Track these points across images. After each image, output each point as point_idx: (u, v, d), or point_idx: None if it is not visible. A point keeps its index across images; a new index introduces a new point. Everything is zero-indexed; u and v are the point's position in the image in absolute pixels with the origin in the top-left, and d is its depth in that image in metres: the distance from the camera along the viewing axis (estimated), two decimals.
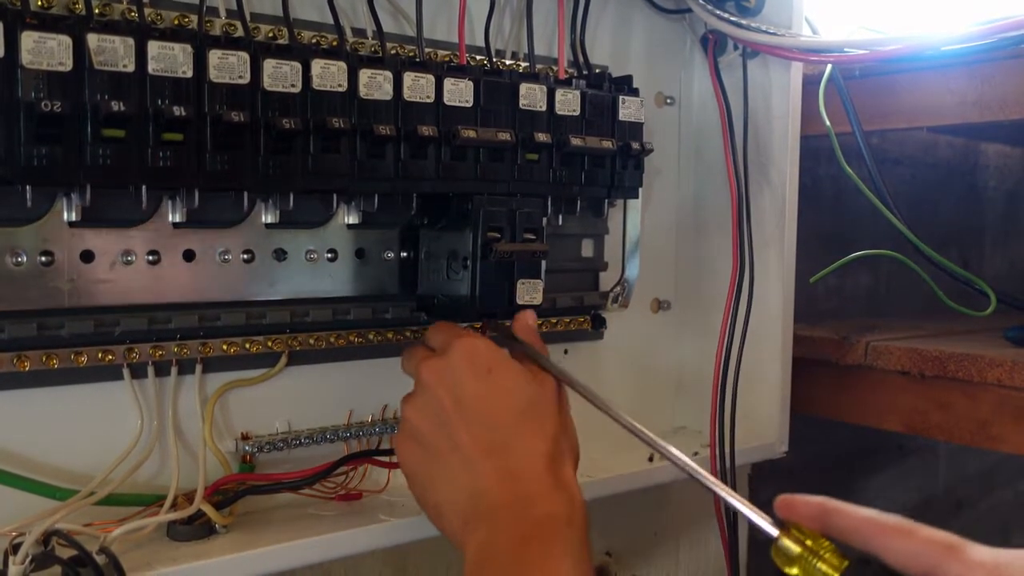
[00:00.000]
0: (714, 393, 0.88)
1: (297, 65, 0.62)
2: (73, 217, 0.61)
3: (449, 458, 0.63)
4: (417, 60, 0.72)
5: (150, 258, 0.66)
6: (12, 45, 0.53)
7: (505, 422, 0.64)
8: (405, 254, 0.77)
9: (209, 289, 0.69)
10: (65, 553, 0.57)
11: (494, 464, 0.62)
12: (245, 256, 0.70)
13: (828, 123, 0.96)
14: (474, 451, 0.63)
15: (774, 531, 0.52)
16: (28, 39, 0.53)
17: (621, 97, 0.79)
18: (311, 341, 0.72)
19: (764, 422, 0.95)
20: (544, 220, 0.75)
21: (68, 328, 0.62)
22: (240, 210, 0.68)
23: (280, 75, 0.62)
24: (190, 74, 0.58)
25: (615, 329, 0.93)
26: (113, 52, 0.56)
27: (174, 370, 0.67)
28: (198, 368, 0.68)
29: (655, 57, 0.95)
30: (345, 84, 0.64)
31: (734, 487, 0.87)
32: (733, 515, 0.90)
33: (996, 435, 0.94)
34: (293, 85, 0.62)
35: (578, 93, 0.76)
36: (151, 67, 0.57)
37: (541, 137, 0.74)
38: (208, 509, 0.65)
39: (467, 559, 0.60)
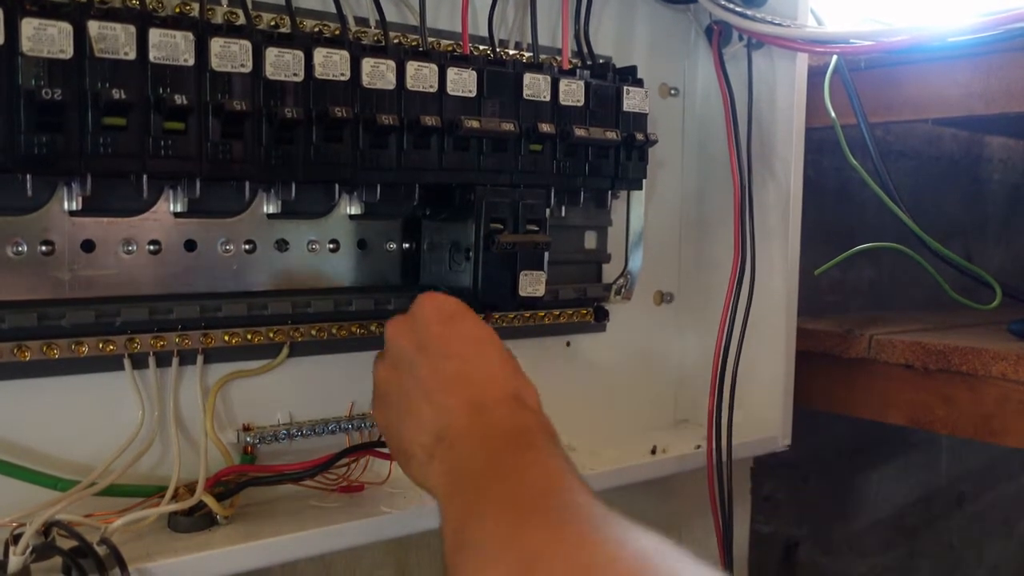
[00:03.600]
0: (712, 386, 0.87)
1: (299, 54, 0.62)
2: (74, 206, 0.61)
3: (413, 396, 0.62)
4: (420, 49, 0.72)
5: (151, 248, 0.66)
6: (12, 32, 0.52)
7: (466, 355, 0.62)
8: (407, 245, 0.77)
9: (211, 279, 0.68)
10: (66, 544, 0.57)
11: (457, 397, 0.60)
12: (247, 246, 0.70)
13: (833, 115, 0.95)
14: (436, 385, 0.61)
15: None
16: (28, 26, 0.52)
17: (625, 88, 0.79)
18: (313, 332, 0.72)
19: (767, 416, 0.94)
20: (547, 211, 0.75)
21: (69, 318, 0.62)
22: (242, 200, 0.68)
23: (282, 64, 0.61)
24: (192, 62, 0.58)
25: (618, 321, 0.93)
26: (114, 39, 0.55)
27: (175, 360, 0.67)
28: (199, 359, 0.68)
29: (659, 48, 0.95)
30: (348, 73, 0.64)
31: (731, 481, 0.87)
32: (728, 508, 0.89)
33: (999, 429, 0.94)
34: (295, 74, 0.62)
35: (582, 83, 0.76)
36: (152, 55, 0.56)
37: (545, 128, 0.73)
38: (209, 500, 0.65)
39: (438, 493, 0.57)
